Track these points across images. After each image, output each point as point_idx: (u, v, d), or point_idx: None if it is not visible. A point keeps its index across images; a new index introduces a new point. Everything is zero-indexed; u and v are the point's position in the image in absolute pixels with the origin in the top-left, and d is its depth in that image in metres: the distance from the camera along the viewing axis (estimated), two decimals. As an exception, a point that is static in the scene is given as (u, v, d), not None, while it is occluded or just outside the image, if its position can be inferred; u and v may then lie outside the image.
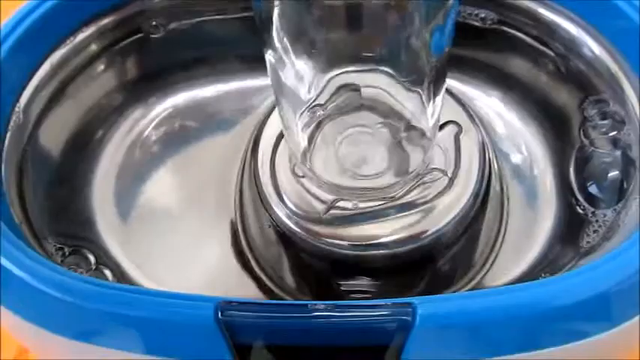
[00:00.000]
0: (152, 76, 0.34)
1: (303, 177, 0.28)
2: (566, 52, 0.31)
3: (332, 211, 0.27)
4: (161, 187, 0.33)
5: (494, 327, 0.22)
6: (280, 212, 0.27)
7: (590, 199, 0.30)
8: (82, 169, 0.32)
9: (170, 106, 0.35)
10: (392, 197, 0.27)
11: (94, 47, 0.33)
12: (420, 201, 0.27)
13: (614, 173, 0.29)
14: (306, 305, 0.22)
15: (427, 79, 0.25)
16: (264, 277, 0.30)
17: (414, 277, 0.29)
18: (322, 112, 0.27)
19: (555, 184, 0.31)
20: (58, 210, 0.30)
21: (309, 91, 0.26)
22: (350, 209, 0.27)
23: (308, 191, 0.27)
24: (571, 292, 0.22)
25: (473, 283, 0.29)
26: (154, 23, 0.34)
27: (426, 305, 0.22)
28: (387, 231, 0.26)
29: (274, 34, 0.23)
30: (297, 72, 0.25)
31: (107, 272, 0.29)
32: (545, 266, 0.29)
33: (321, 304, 0.22)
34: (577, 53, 0.31)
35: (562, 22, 0.31)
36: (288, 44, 0.23)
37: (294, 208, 0.27)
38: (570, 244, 0.29)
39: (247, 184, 0.30)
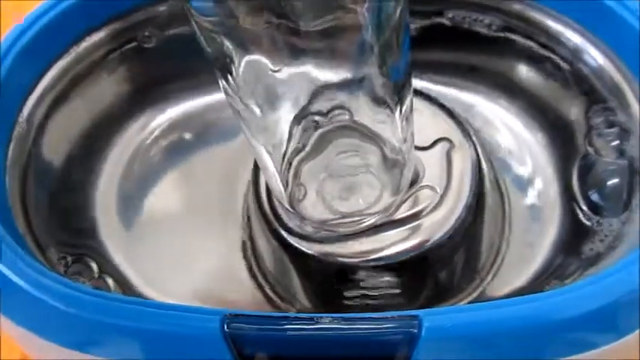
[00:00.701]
0: (152, 86, 0.34)
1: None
2: (572, 59, 0.31)
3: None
4: (165, 196, 0.33)
5: (501, 338, 0.22)
6: (280, 229, 0.27)
7: (596, 208, 0.29)
8: (85, 178, 0.32)
9: (171, 115, 0.34)
10: (387, 214, 0.27)
11: (95, 57, 0.33)
12: (414, 216, 0.27)
13: (619, 182, 0.29)
14: (312, 318, 0.22)
15: (392, 101, 0.24)
16: (267, 288, 0.30)
17: (417, 288, 0.28)
18: (294, 153, 0.26)
19: (560, 193, 0.31)
20: (61, 219, 0.30)
21: (276, 137, 0.25)
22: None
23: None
24: (579, 304, 0.22)
25: (476, 292, 0.29)
26: (146, 33, 0.33)
27: (432, 317, 0.22)
28: (383, 245, 0.26)
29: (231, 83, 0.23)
30: (261, 120, 0.24)
31: (110, 281, 0.29)
32: (549, 276, 0.29)
33: (327, 316, 0.22)
34: (582, 61, 0.31)
35: (565, 31, 0.31)
36: (247, 91, 0.23)
37: (290, 225, 0.27)
38: (575, 253, 0.29)
39: (252, 198, 0.30)
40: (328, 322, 0.22)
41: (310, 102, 0.24)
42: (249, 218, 0.31)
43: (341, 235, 0.27)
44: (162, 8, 0.33)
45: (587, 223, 0.29)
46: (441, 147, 0.28)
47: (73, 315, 0.23)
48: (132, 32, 0.33)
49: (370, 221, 0.27)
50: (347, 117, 0.25)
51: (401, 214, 0.27)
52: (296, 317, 0.23)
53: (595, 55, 0.30)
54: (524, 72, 0.33)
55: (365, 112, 0.24)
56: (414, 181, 0.27)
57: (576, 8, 0.30)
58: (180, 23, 0.33)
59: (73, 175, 0.32)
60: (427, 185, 0.27)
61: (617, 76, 0.30)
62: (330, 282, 0.28)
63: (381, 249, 0.26)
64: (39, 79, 0.31)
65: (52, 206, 0.30)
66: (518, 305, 0.22)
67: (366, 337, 0.22)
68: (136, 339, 0.23)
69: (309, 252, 0.27)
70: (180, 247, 0.31)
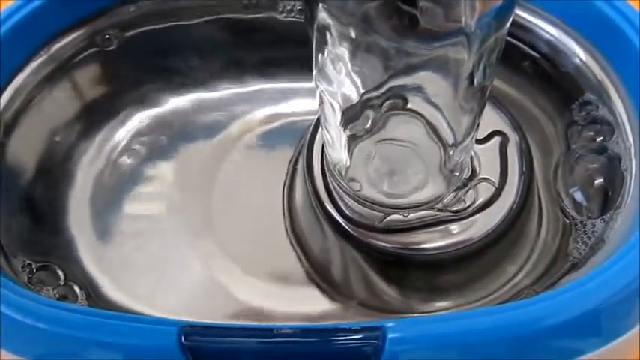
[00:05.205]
0: (117, 91, 0.34)
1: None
2: (552, 54, 0.30)
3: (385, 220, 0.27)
4: (138, 202, 0.32)
5: (467, 350, 0.21)
6: (337, 217, 0.27)
7: (578, 207, 0.28)
8: (57, 184, 0.31)
9: (141, 119, 0.34)
10: (440, 208, 0.27)
11: (64, 59, 0.32)
12: (469, 210, 0.27)
13: (601, 181, 0.28)
14: (271, 329, 0.21)
15: (476, 101, 0.24)
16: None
17: (454, 281, 0.28)
18: (367, 129, 0.26)
19: (543, 192, 0.30)
20: (31, 226, 0.30)
21: (356, 109, 0.25)
22: (401, 219, 0.27)
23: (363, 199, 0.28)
24: (553, 312, 0.22)
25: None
26: (107, 36, 0.33)
27: (396, 329, 0.21)
28: (433, 238, 0.27)
29: (325, 53, 0.23)
30: (345, 92, 0.24)
31: (76, 288, 0.28)
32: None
33: (287, 328, 0.21)
34: (562, 56, 0.30)
35: (543, 25, 0.30)
36: (341, 63, 0.23)
37: (349, 215, 0.27)
38: (559, 254, 0.28)
39: (300, 192, 0.29)
40: (288, 334, 0.21)
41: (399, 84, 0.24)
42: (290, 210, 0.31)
43: (392, 227, 0.27)
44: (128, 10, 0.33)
45: (570, 223, 0.28)
46: (496, 140, 0.28)
47: (29, 326, 0.22)
48: (95, 35, 0.33)
49: (420, 212, 0.27)
50: (428, 106, 0.25)
51: (457, 207, 0.27)
52: (255, 328, 0.22)
53: (576, 51, 0.29)
54: (505, 65, 0.31)
55: (449, 108, 0.24)
56: (471, 175, 0.28)
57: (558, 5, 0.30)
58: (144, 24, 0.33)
59: (44, 181, 0.31)
60: (485, 178, 0.27)
61: (600, 73, 0.29)
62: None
63: (428, 242, 0.26)
64: (9, 81, 0.30)
65: (23, 213, 0.30)
66: (490, 315, 0.22)
67: (328, 349, 0.21)
68: (92, 351, 0.22)
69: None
70: (154, 253, 0.30)
